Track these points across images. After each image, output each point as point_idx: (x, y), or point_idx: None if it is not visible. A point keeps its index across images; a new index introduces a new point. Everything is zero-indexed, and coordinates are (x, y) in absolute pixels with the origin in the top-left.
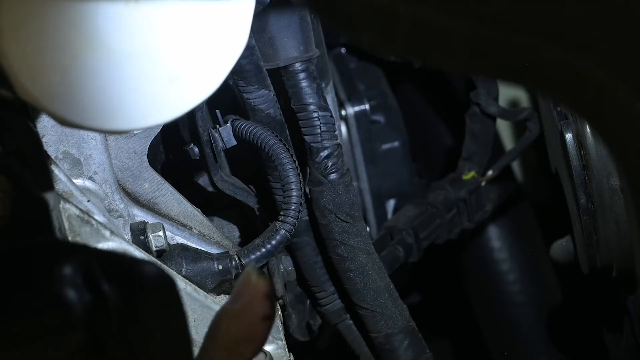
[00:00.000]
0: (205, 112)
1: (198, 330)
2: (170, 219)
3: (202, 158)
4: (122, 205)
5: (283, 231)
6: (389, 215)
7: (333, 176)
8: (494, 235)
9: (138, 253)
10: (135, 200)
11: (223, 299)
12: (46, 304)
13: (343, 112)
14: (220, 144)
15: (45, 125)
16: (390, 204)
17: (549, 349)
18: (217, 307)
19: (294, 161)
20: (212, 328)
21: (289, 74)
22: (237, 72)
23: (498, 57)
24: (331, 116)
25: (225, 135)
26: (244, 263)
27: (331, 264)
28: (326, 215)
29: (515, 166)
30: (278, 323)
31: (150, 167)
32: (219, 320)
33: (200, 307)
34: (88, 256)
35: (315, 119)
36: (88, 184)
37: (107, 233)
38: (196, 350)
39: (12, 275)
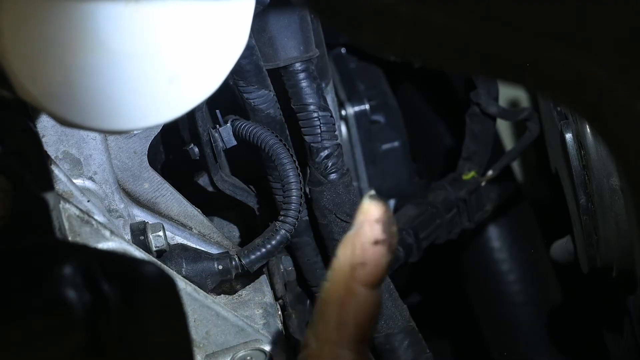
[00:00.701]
0: (205, 112)
1: (198, 330)
2: (170, 219)
3: (202, 158)
4: (122, 205)
5: (283, 231)
6: None
7: (333, 176)
8: (494, 235)
9: (138, 253)
10: (135, 200)
11: (223, 299)
12: (46, 304)
13: (343, 112)
14: (220, 144)
15: (45, 125)
16: (390, 204)
17: (549, 349)
18: (217, 307)
19: (294, 161)
20: (333, 258)
21: (289, 74)
22: (237, 72)
23: (498, 57)
24: (331, 116)
25: (225, 135)
26: (244, 263)
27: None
28: (326, 215)
29: (515, 166)
30: (278, 323)
31: (150, 167)
32: (338, 248)
33: (200, 307)
34: (88, 256)
35: (315, 119)
36: (88, 184)
37: (107, 233)
38: (196, 350)
39: (12, 275)
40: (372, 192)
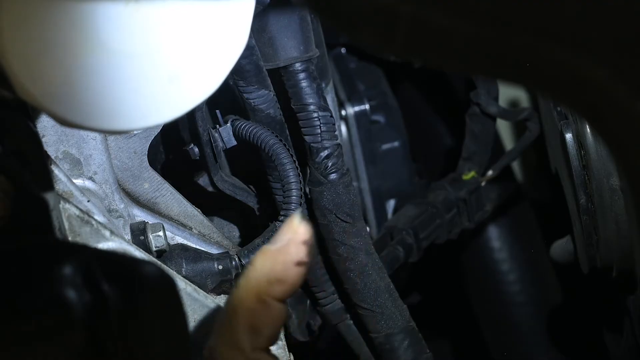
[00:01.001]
0: (205, 112)
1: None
2: (170, 219)
3: (202, 158)
4: (122, 205)
5: None
6: (389, 215)
7: (333, 176)
8: (494, 235)
9: (138, 253)
10: (135, 200)
11: (223, 299)
12: (46, 304)
13: (343, 112)
14: (220, 144)
15: (45, 125)
16: (390, 204)
17: (549, 349)
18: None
19: (294, 161)
20: (248, 265)
21: (289, 74)
22: (237, 72)
23: (498, 57)
24: (331, 116)
25: (225, 135)
26: (244, 263)
27: (331, 264)
28: (326, 215)
29: (515, 166)
30: None
31: (150, 167)
32: (255, 257)
33: (200, 307)
34: (88, 256)
35: (315, 119)
36: (88, 184)
37: (107, 233)
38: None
39: (12, 275)
40: (301, 211)
